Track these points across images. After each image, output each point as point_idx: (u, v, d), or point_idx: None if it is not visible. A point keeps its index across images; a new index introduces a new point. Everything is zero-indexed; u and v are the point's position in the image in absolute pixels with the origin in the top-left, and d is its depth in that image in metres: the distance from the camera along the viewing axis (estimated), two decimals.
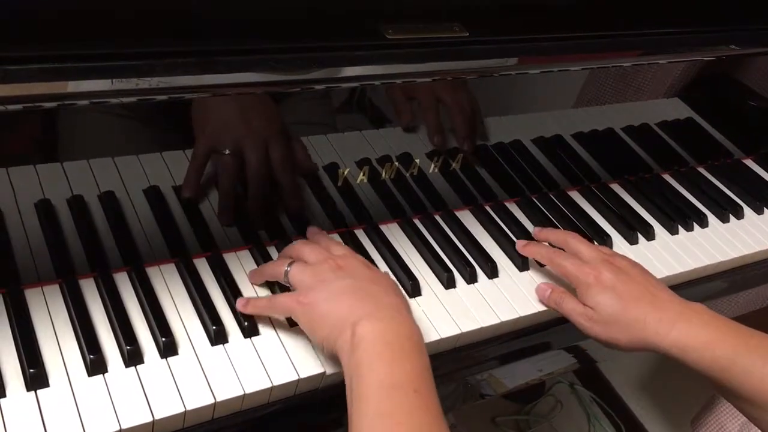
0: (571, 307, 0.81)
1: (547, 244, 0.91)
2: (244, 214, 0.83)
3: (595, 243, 0.96)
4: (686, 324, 0.76)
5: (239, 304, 0.76)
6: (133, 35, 0.67)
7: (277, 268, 0.76)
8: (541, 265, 0.91)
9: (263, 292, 0.80)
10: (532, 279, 0.90)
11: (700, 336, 0.75)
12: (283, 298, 0.73)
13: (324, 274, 0.72)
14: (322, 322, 0.69)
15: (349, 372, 0.65)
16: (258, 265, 0.82)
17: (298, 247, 0.78)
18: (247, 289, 0.80)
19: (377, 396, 0.62)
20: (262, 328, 0.76)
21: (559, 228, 0.97)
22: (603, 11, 0.96)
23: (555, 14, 0.93)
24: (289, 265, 0.75)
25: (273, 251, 0.85)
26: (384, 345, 0.65)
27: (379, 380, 0.63)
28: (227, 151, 0.77)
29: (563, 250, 0.88)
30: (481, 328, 0.82)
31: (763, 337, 0.76)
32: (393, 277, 0.77)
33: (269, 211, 0.85)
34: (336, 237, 0.89)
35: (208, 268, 0.81)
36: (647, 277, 0.83)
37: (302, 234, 0.87)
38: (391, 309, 0.70)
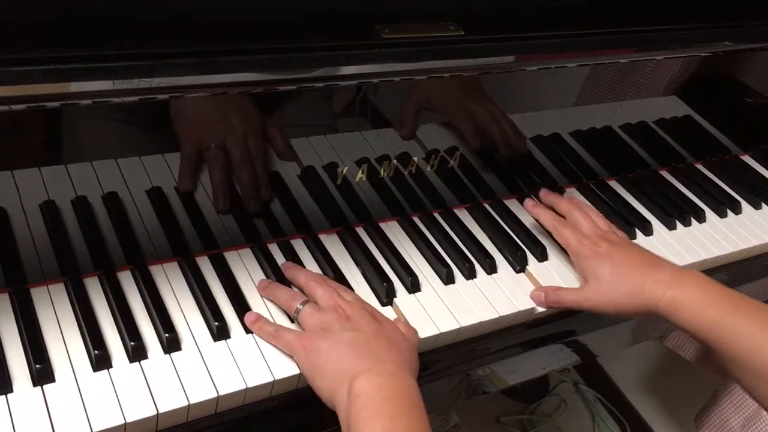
0: (573, 299, 0.85)
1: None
2: (245, 211, 0.84)
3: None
4: (681, 285, 0.80)
5: (248, 319, 0.76)
6: (134, 36, 0.69)
7: (290, 302, 0.77)
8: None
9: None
10: (529, 274, 0.91)
11: (694, 296, 0.78)
12: (289, 336, 0.74)
13: (331, 324, 0.73)
14: (322, 372, 0.70)
15: (346, 427, 0.65)
16: (259, 262, 0.84)
17: (312, 285, 0.78)
18: (249, 286, 0.81)
19: None
20: None
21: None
22: (599, 8, 0.97)
23: (550, 12, 0.94)
24: (302, 303, 0.76)
25: (274, 248, 0.86)
26: (382, 402, 0.65)
27: None
28: (212, 146, 0.78)
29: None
30: (480, 323, 0.83)
31: (753, 303, 0.79)
32: (400, 327, 0.77)
33: (262, 202, 0.86)
34: (336, 236, 0.90)
35: (210, 266, 0.82)
36: (644, 250, 0.88)
37: (303, 232, 0.88)
38: (391, 365, 0.70)
